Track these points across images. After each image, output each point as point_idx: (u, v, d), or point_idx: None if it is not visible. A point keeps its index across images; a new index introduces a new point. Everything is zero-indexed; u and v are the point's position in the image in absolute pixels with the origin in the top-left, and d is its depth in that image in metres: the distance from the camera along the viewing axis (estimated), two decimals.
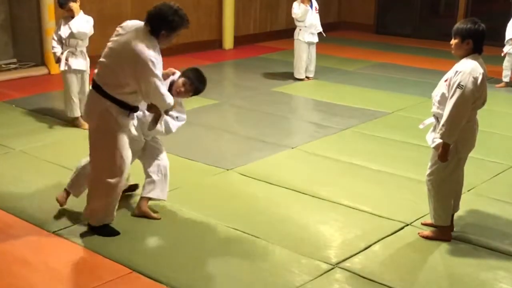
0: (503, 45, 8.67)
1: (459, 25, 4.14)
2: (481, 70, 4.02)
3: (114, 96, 4.07)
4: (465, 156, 4.26)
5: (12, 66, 9.28)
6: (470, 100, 4.00)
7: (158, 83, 4.03)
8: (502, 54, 8.71)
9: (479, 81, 3.99)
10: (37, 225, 4.46)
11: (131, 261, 3.98)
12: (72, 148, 6.08)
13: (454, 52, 4.15)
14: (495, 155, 5.99)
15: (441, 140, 4.06)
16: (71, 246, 4.20)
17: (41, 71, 9.14)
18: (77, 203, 4.83)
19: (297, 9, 8.79)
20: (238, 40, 11.60)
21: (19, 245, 4.23)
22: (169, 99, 4.14)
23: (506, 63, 8.76)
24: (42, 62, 9.23)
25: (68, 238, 4.27)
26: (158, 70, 4.08)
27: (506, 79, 8.80)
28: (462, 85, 3.97)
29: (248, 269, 3.94)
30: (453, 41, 4.12)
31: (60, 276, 3.84)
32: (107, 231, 4.31)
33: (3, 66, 9.26)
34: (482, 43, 4.10)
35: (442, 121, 4.04)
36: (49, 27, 8.93)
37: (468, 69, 4.01)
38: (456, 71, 4.05)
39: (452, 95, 4.00)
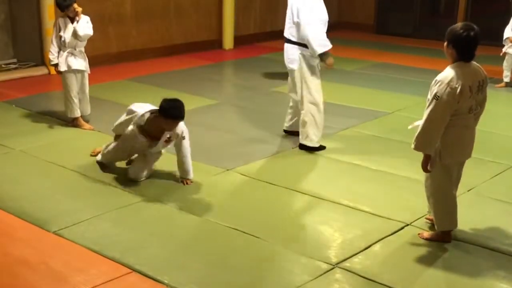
0: (503, 45, 8.68)
1: (450, 27, 3.99)
2: (461, 81, 3.84)
3: None
4: (453, 162, 4.13)
5: (12, 66, 9.28)
6: (446, 112, 3.88)
7: None
8: (501, 54, 8.72)
9: (457, 92, 3.84)
10: (37, 225, 4.46)
11: (131, 261, 3.98)
12: (72, 148, 6.08)
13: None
14: (495, 155, 5.99)
15: None
16: (71, 246, 4.20)
17: (41, 71, 9.14)
18: (77, 203, 4.83)
19: None
20: (238, 40, 11.60)
21: (19, 245, 4.23)
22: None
23: (505, 63, 8.77)
24: (42, 62, 9.22)
25: (68, 238, 4.28)
26: None
27: (506, 79, 8.80)
28: (438, 96, 3.86)
29: (248, 269, 3.94)
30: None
31: (60, 276, 3.84)
32: None
33: (3, 66, 9.26)
34: (468, 50, 3.91)
35: (416, 133, 3.99)
36: (49, 27, 8.92)
37: (446, 79, 3.87)
38: (436, 80, 3.93)
39: (428, 105, 3.92)
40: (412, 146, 4.06)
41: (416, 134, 4.01)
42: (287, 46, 5.99)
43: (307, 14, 5.74)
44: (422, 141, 3.99)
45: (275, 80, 9.01)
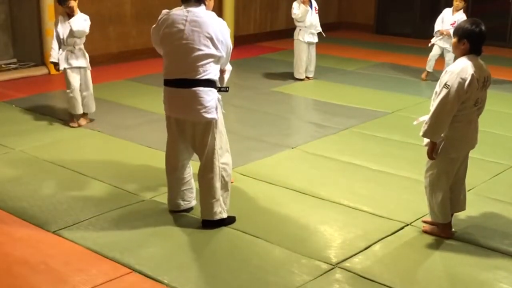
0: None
1: (459, 24, 4.18)
2: (471, 71, 3.99)
3: None
4: (458, 156, 4.24)
5: (12, 66, 9.28)
6: (455, 101, 4.00)
7: None
8: (429, 45, 8.92)
9: (467, 82, 3.97)
10: (37, 225, 4.46)
11: (131, 261, 3.98)
12: (72, 148, 6.09)
13: (453, 51, 4.19)
14: (495, 155, 5.99)
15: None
16: (71, 246, 4.20)
17: (41, 71, 9.15)
18: (77, 203, 4.84)
19: (297, 10, 8.79)
20: (238, 40, 11.58)
21: (19, 245, 4.23)
22: None
23: (432, 53, 8.99)
24: (42, 62, 9.23)
25: (68, 238, 4.28)
26: None
27: (429, 69, 9.03)
28: (448, 85, 3.99)
29: (248, 269, 3.94)
30: (453, 40, 4.15)
31: (60, 276, 3.84)
32: None
33: (3, 66, 9.26)
34: (479, 44, 4.09)
35: (426, 119, 4.11)
36: (49, 27, 8.93)
37: (457, 69, 4.02)
38: (446, 71, 4.09)
39: (439, 94, 4.05)
40: (420, 133, 4.16)
41: (426, 120, 4.10)
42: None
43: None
44: (431, 129, 4.08)
45: (275, 80, 9.01)
